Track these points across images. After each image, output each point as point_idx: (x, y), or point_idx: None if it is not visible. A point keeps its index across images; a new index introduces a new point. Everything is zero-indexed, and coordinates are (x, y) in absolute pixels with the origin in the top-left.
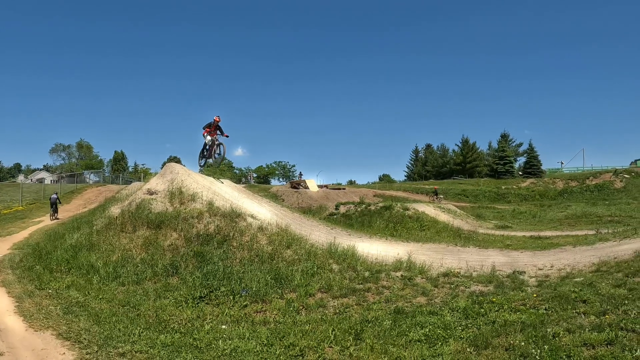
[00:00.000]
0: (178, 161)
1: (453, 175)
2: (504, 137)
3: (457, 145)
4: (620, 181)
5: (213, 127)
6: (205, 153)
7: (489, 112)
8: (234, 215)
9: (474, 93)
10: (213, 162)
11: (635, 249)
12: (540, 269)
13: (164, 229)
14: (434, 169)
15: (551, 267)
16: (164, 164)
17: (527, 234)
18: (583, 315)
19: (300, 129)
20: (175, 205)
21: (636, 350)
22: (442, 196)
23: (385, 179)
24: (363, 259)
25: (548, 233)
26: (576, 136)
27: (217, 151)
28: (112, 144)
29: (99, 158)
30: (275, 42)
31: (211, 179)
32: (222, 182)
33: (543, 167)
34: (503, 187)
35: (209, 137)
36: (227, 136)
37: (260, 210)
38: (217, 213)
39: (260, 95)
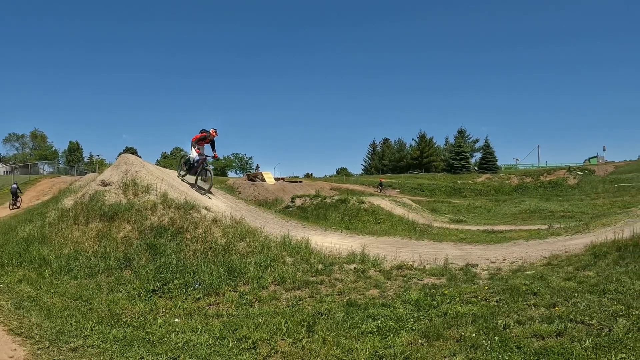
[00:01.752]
0: (134, 152)
1: (410, 169)
2: (461, 132)
3: (415, 140)
4: (574, 178)
5: (207, 141)
6: (185, 167)
7: (447, 108)
8: (188, 208)
9: (433, 89)
10: (196, 189)
11: (586, 243)
12: (493, 262)
13: (117, 221)
14: (391, 163)
15: (503, 260)
16: (120, 155)
17: (481, 228)
18: (534, 307)
19: (258, 122)
20: (129, 197)
21: (585, 342)
22: (391, 187)
23: (342, 173)
24: (317, 252)
25: (502, 227)
26: (532, 133)
27: (202, 177)
28: (67, 134)
29: (54, 148)
30: (233, 35)
31: (165, 170)
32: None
33: (499, 163)
34: (459, 182)
35: (194, 153)
36: (216, 157)
37: (215, 203)
38: (171, 205)
39: (218, 87)
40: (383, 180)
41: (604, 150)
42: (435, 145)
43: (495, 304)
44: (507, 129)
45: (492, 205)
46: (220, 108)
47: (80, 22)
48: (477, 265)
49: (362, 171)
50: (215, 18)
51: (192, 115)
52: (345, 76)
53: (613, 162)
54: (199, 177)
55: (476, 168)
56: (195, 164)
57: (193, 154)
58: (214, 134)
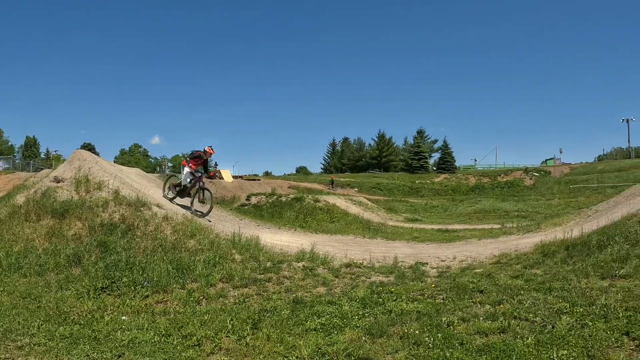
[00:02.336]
0: (92, 148)
1: (369, 168)
2: (420, 133)
3: (374, 140)
4: (530, 179)
5: (201, 162)
6: (174, 189)
7: (408, 108)
8: (139, 205)
9: (393, 89)
10: (192, 213)
11: (536, 242)
12: (443, 261)
13: (68, 218)
14: (350, 162)
15: (454, 258)
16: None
17: (436, 227)
18: (479, 305)
19: (218, 118)
20: (81, 194)
21: (527, 338)
22: (349, 186)
23: (302, 171)
24: (266, 250)
25: (456, 226)
26: (491, 135)
27: (200, 197)
28: (24, 129)
29: (10, 144)
30: (193, 27)
31: (120, 167)
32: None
33: (457, 164)
34: (417, 182)
35: (187, 171)
36: (211, 175)
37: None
38: (123, 202)
39: (178, 81)
40: (334, 178)
41: (560, 152)
42: (395, 145)
43: (441, 301)
44: (466, 130)
45: (450, 204)
46: (180, 103)
47: (37, 11)
48: (427, 263)
49: (322, 170)
50: (175, 5)
51: (151, 111)
52: (307, 75)
53: (570, 164)
54: (196, 199)
55: (434, 168)
56: (189, 184)
57: (184, 172)
58: (211, 152)
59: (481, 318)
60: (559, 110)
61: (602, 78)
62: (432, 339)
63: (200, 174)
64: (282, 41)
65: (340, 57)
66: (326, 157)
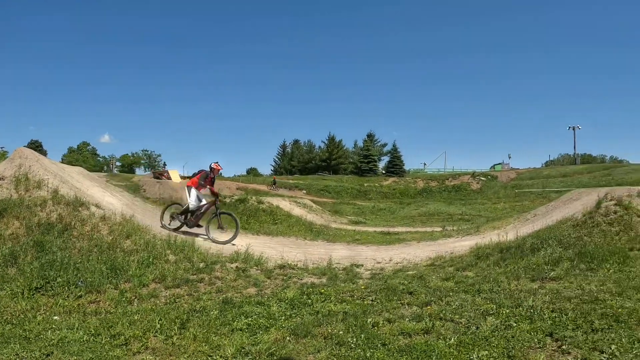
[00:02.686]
0: (39, 145)
1: (318, 171)
2: (370, 136)
3: (324, 142)
4: (477, 183)
5: (209, 180)
6: (180, 217)
7: (359, 112)
8: (77, 204)
9: (345, 92)
10: (211, 239)
11: (471, 245)
12: (379, 263)
13: (6, 217)
14: (300, 164)
15: (389, 260)
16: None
17: (379, 229)
18: (407, 306)
19: (170, 118)
20: (20, 192)
21: (450, 339)
22: (298, 188)
23: (252, 173)
24: (201, 251)
25: (399, 229)
26: (442, 139)
27: (220, 223)
28: None
29: None
30: (145, 24)
31: (63, 165)
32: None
33: (407, 168)
34: (365, 185)
35: (194, 194)
36: (216, 194)
37: (109, 200)
38: (61, 201)
39: (130, 78)
40: (276, 179)
41: (509, 157)
42: (345, 148)
43: (370, 302)
44: (417, 135)
45: (397, 207)
46: (132, 101)
47: None
48: (362, 265)
49: (272, 172)
50: (123, 6)
51: (103, 108)
52: (260, 76)
53: (518, 169)
54: (212, 225)
55: (383, 172)
56: (201, 210)
57: (193, 199)
58: (218, 168)
59: (407, 319)
60: (509, 117)
61: (551, 86)
62: (355, 340)
63: (217, 195)
64: (235, 42)
65: (294, 59)
66: (276, 159)
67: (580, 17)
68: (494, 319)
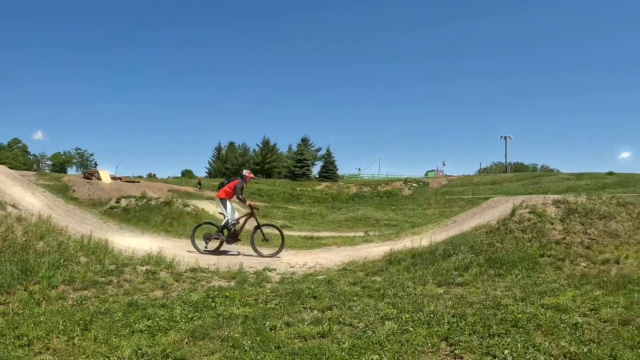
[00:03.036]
0: None
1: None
2: (304, 141)
3: (258, 146)
4: (409, 189)
5: (241, 189)
6: (218, 235)
7: (296, 116)
8: None
9: (283, 96)
10: (258, 254)
11: (386, 250)
12: (292, 267)
13: None
14: (234, 167)
15: (304, 265)
16: None
17: (303, 233)
18: (309, 310)
19: (105, 116)
20: None
21: (344, 343)
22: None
23: (187, 175)
24: (114, 253)
25: (324, 233)
26: (378, 145)
27: (262, 236)
28: None
29: None
30: (76, 27)
31: None
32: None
33: (342, 173)
34: (298, 189)
35: (230, 207)
36: (252, 206)
37: (30, 200)
38: None
39: (64, 73)
40: (202, 181)
41: (443, 165)
42: (279, 152)
43: (273, 306)
44: (354, 140)
45: (328, 212)
46: (66, 98)
47: None
48: (275, 269)
49: (207, 174)
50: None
51: (35, 105)
52: (196, 76)
53: (451, 176)
54: (256, 239)
55: (317, 176)
56: (239, 223)
57: (230, 211)
58: (251, 176)
59: (306, 323)
60: (446, 125)
61: (488, 96)
62: (250, 342)
63: (255, 207)
64: (170, 42)
65: (233, 60)
66: (211, 161)
67: (512, 27)
68: (392, 324)
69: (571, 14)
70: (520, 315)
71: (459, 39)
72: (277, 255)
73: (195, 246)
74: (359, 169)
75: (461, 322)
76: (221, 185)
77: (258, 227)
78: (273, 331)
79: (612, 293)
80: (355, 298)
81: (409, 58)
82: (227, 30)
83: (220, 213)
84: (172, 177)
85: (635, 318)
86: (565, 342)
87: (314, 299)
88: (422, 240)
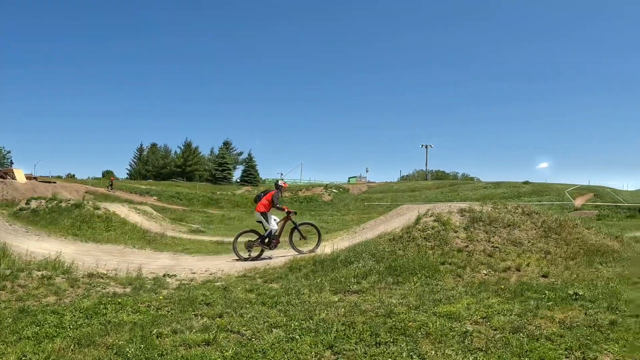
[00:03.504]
0: None
1: (173, 177)
2: (226, 144)
3: (180, 148)
4: (329, 195)
5: (277, 199)
6: (260, 243)
7: (220, 119)
8: None
9: (207, 97)
10: (298, 251)
11: (289, 257)
12: (194, 273)
13: None
14: (155, 169)
15: (205, 271)
16: None
17: (215, 238)
18: (199, 318)
19: (22, 111)
20: None
21: (228, 351)
22: (156, 195)
23: (107, 176)
24: (12, 258)
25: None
26: (300, 151)
27: (300, 235)
28: None
29: None
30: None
31: None
32: None
33: (265, 177)
34: (218, 193)
35: (272, 218)
36: (288, 211)
37: None
38: None
39: None
40: (114, 180)
41: (367, 171)
42: (201, 154)
43: (165, 313)
44: (278, 145)
45: (247, 216)
46: None
47: None
48: (175, 275)
49: (127, 176)
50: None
51: None
52: (119, 74)
53: (374, 182)
54: (294, 238)
55: (238, 180)
56: (280, 229)
57: (273, 223)
58: (286, 186)
59: (194, 330)
60: (370, 132)
61: (412, 104)
62: (134, 350)
63: (292, 212)
64: (92, 38)
65: (159, 58)
66: (132, 163)
67: (434, 38)
68: (280, 332)
69: (491, 25)
70: (410, 323)
71: (385, 50)
72: (316, 250)
73: (237, 254)
74: (281, 174)
75: (350, 330)
76: (258, 199)
77: (295, 227)
78: (159, 338)
79: (508, 300)
80: (248, 305)
81: (335, 66)
82: (150, 23)
83: (258, 222)
84: (92, 178)
85: (526, 325)
86: (452, 350)
87: (207, 305)
88: (325, 247)
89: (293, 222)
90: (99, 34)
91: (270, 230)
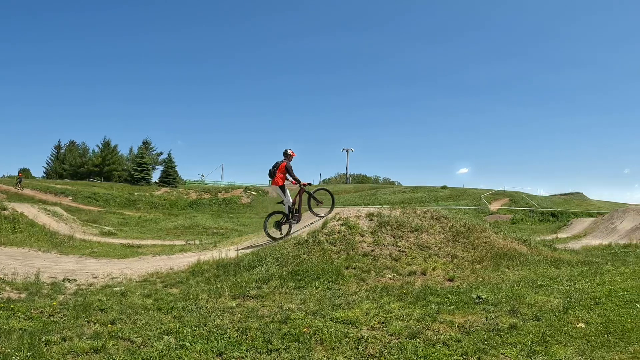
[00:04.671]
0: None
1: (90, 176)
2: (146, 144)
3: (98, 146)
4: (248, 197)
5: (291, 168)
6: (286, 220)
7: (140, 118)
8: None
9: (125, 96)
10: (317, 216)
11: (193, 261)
12: (95, 277)
13: None
14: (72, 168)
15: (107, 275)
16: None
17: (126, 241)
18: (92, 324)
19: None
20: None
21: (116, 358)
22: (72, 196)
23: (24, 174)
24: None
25: (148, 242)
26: (223, 152)
27: (316, 202)
28: None
29: None
30: None
31: None
32: None
33: (186, 178)
34: (136, 194)
35: (287, 191)
36: (300, 183)
37: None
38: None
39: None
40: (22, 175)
41: None
42: (120, 154)
43: (57, 319)
44: (201, 146)
45: (164, 218)
46: None
47: None
48: (76, 280)
49: (44, 175)
50: None
51: None
52: (36, 70)
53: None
54: (312, 206)
55: (157, 181)
56: (297, 202)
57: (288, 198)
58: (294, 155)
59: (84, 338)
60: (292, 135)
61: (333, 107)
62: (20, 358)
63: (304, 183)
64: (11, 36)
65: (80, 55)
66: (49, 161)
67: (350, 42)
68: (170, 339)
69: (409, 26)
70: (306, 329)
71: (305, 52)
72: (330, 214)
73: (269, 236)
74: (202, 175)
75: (243, 336)
76: (272, 174)
77: (310, 195)
78: (47, 346)
79: (410, 305)
80: (143, 311)
81: (256, 68)
82: (70, 20)
83: (279, 202)
84: (7, 176)
85: (424, 331)
86: (345, 357)
87: (101, 312)
88: (229, 251)
89: (307, 192)
90: (15, 30)
91: (289, 205)
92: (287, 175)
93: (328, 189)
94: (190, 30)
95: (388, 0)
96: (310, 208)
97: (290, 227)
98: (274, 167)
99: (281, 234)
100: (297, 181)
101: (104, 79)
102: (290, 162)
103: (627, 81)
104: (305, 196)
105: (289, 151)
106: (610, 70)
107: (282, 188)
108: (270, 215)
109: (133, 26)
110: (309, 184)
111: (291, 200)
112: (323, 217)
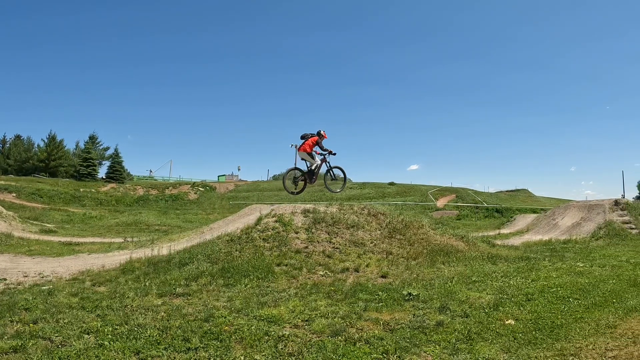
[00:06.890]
0: None
1: (35, 172)
2: (92, 138)
3: (44, 141)
4: (195, 193)
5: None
6: (304, 177)
7: (86, 111)
8: None
9: (74, 89)
10: (331, 191)
11: (124, 260)
12: (26, 276)
13: None
14: (17, 164)
15: (39, 274)
16: None
17: (65, 239)
18: (14, 324)
19: None
20: None
21: (34, 358)
22: (15, 192)
23: None
24: None
25: (87, 239)
26: (171, 147)
27: (332, 176)
28: None
29: None
30: None
31: None
32: None
33: (134, 174)
34: (82, 190)
35: (316, 156)
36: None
37: None
38: None
39: None
40: None
41: (239, 169)
42: (66, 149)
43: None
44: (151, 141)
45: (109, 215)
46: None
47: None
48: (5, 279)
49: None
50: None
51: None
52: None
53: (246, 181)
54: (327, 180)
55: (103, 177)
56: (319, 169)
57: (317, 158)
58: (326, 137)
59: (5, 337)
60: (243, 130)
61: (283, 103)
62: None
63: (325, 152)
64: None
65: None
66: None
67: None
68: (90, 338)
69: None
70: (227, 327)
71: (264, 52)
72: (342, 190)
73: (286, 188)
74: (151, 171)
75: (163, 335)
76: (304, 141)
77: (329, 169)
78: None
79: (337, 302)
80: (67, 310)
81: (213, 58)
82: (13, 6)
83: (302, 159)
84: None
85: (348, 328)
86: (263, 355)
87: (25, 311)
88: (162, 248)
89: (327, 164)
90: None
91: (316, 165)
92: (316, 147)
93: (342, 168)
94: (142, 27)
95: (348, 4)
96: (326, 183)
97: (305, 186)
98: (303, 138)
99: (296, 188)
100: (329, 151)
101: (55, 66)
102: (322, 140)
103: (577, 82)
104: (323, 168)
105: (322, 132)
106: (560, 72)
107: (310, 154)
108: (291, 169)
109: (78, 13)
110: (334, 153)
111: (317, 163)
112: (338, 192)
